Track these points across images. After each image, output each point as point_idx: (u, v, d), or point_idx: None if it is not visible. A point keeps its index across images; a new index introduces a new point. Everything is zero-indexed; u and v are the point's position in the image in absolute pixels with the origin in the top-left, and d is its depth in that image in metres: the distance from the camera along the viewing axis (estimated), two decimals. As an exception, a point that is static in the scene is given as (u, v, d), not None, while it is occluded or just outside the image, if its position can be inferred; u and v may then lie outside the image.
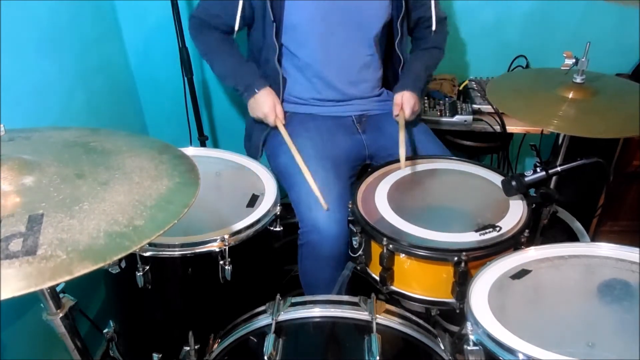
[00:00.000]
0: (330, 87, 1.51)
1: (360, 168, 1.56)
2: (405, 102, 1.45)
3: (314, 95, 1.53)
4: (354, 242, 1.21)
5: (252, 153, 1.58)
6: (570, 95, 1.26)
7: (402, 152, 1.33)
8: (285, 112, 1.51)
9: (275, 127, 1.47)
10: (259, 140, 1.55)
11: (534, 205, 1.21)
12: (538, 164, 1.18)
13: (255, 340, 1.04)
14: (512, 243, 1.10)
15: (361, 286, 1.24)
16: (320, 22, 1.43)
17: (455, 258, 1.05)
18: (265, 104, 1.46)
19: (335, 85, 1.51)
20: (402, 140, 1.36)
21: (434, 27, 1.53)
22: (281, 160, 1.45)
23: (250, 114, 1.53)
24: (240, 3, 1.41)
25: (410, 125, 1.53)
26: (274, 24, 1.41)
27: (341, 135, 1.52)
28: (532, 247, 1.06)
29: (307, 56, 1.47)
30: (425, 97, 1.81)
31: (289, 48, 1.47)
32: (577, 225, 1.63)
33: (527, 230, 1.12)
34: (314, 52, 1.46)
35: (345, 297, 1.08)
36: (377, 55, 1.54)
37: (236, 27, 1.47)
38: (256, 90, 1.47)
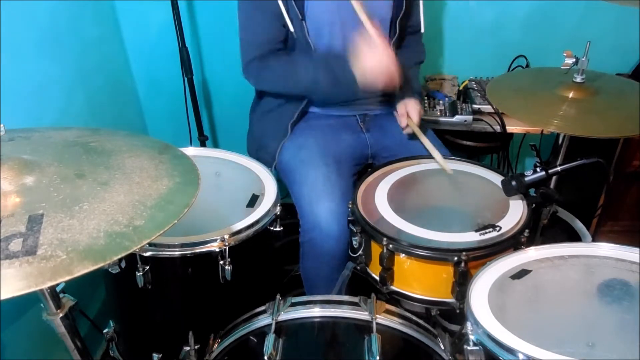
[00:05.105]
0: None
1: (362, 167, 1.55)
2: (410, 110, 1.44)
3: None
4: (354, 242, 1.21)
5: (266, 162, 1.50)
6: (571, 95, 1.25)
7: (439, 156, 1.37)
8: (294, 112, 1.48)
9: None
10: (275, 148, 1.49)
11: (534, 205, 1.21)
12: (538, 164, 1.18)
13: (255, 340, 1.04)
14: (512, 243, 1.10)
15: (361, 286, 1.24)
16: (330, 21, 1.41)
17: (455, 258, 1.05)
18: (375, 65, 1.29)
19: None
20: (430, 145, 1.39)
21: (422, 29, 1.53)
22: (284, 157, 1.44)
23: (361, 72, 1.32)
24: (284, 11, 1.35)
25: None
26: (303, 22, 1.36)
27: (345, 134, 1.52)
28: (532, 247, 1.06)
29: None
30: (425, 97, 1.81)
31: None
32: (579, 225, 1.62)
33: (527, 230, 1.12)
34: (325, 50, 1.44)
35: (345, 297, 1.08)
36: None
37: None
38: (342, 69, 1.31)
